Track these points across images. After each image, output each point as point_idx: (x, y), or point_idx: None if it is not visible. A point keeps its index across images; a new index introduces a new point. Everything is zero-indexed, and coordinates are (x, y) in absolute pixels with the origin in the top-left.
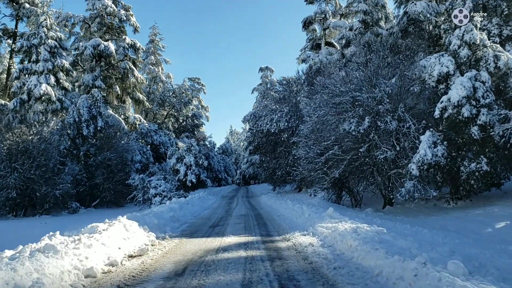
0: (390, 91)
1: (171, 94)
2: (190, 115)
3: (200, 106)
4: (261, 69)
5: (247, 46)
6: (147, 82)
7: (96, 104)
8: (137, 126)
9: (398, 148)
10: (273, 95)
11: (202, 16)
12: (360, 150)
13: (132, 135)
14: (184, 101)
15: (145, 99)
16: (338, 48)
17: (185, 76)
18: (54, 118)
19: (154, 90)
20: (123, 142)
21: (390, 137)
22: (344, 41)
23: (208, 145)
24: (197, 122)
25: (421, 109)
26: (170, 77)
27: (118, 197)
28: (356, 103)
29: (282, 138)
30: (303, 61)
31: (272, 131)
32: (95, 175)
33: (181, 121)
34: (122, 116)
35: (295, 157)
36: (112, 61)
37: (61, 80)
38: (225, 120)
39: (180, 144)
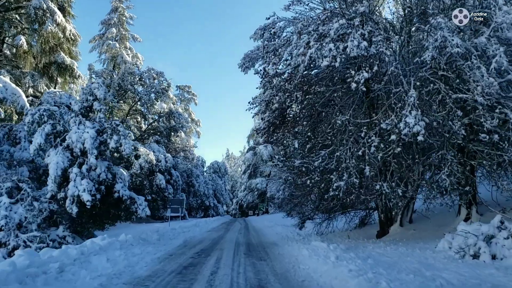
0: None
1: (136, 80)
2: (164, 112)
3: (190, 119)
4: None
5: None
6: (104, 65)
7: None
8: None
9: None
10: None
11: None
12: None
13: (28, 115)
14: (156, 90)
15: (76, 64)
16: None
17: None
18: None
19: (112, 73)
20: None
21: None
22: None
23: (194, 161)
24: (174, 123)
25: None
26: (139, 58)
27: None
28: None
29: (351, 85)
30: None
31: (326, 64)
32: None
33: (151, 120)
34: (30, 89)
35: (401, 135)
36: None
37: None
38: (222, 144)
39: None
